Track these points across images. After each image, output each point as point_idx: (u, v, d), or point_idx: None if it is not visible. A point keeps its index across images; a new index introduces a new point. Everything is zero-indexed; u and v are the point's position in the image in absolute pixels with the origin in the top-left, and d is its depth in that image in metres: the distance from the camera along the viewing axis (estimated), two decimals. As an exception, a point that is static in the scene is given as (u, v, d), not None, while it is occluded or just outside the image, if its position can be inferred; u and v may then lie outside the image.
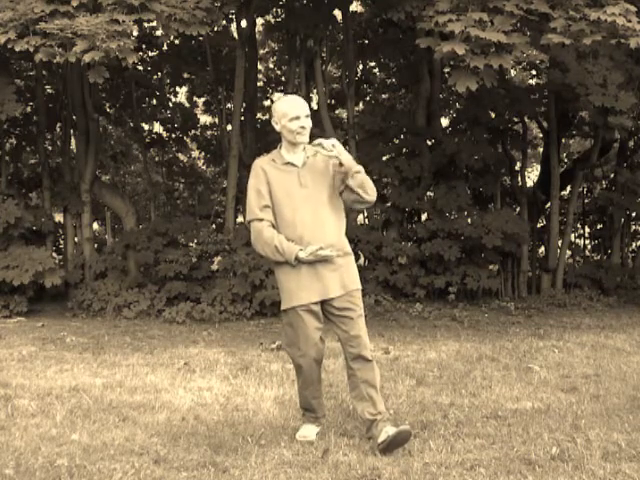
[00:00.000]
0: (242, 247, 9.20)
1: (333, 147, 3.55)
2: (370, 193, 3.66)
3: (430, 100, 10.91)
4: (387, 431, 3.46)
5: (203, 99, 13.53)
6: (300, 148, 3.71)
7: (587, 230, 13.40)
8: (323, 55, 11.50)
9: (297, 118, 3.62)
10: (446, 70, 10.81)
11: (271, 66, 13.93)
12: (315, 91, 11.63)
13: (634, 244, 13.31)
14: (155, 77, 12.63)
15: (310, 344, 3.65)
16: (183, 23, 6.86)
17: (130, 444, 3.67)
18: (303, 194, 3.62)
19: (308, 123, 3.67)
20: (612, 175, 12.78)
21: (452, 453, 3.52)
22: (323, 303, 3.64)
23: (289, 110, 3.63)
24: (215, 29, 9.78)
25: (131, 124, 12.69)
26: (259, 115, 12.41)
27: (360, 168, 3.65)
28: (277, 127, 3.70)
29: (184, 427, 3.98)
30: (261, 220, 3.64)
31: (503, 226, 9.81)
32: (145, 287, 9.42)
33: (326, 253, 3.54)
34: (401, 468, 3.30)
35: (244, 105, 10.76)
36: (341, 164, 3.59)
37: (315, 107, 11.38)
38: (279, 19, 11.61)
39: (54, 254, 10.75)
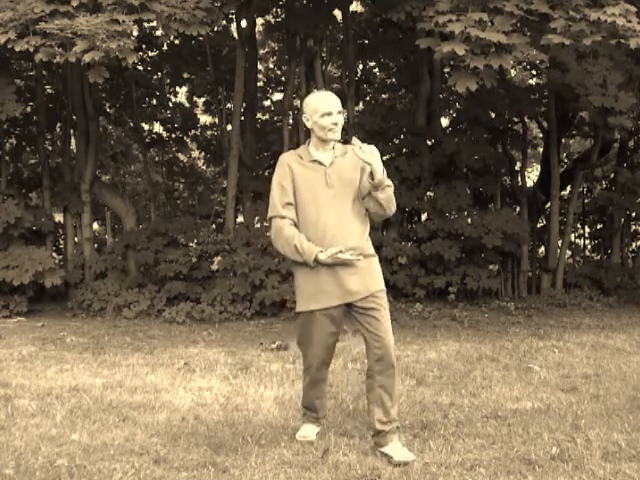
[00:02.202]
0: (242, 247, 9.21)
1: (371, 153, 3.40)
2: (392, 209, 3.59)
3: (430, 100, 10.91)
4: (392, 450, 3.43)
5: (203, 99, 13.52)
6: (330, 146, 3.61)
7: (587, 230, 13.40)
8: (323, 55, 11.49)
9: (329, 114, 3.52)
10: (446, 70, 10.81)
11: (271, 66, 13.92)
12: (315, 91, 11.61)
13: (634, 244, 13.31)
14: (155, 77, 12.62)
15: (322, 347, 3.63)
16: (183, 23, 6.85)
17: (130, 444, 3.67)
18: (328, 194, 3.53)
19: (340, 120, 3.56)
20: (612, 175, 12.79)
21: (452, 453, 3.52)
22: (348, 304, 3.55)
23: (321, 105, 3.53)
24: (215, 29, 9.79)
25: (131, 124, 12.69)
26: (259, 115, 12.41)
27: (390, 183, 3.53)
28: (308, 123, 3.60)
29: (184, 427, 3.98)
30: (283, 217, 3.54)
31: (503, 226, 9.81)
32: (145, 287, 9.42)
33: (346, 257, 3.43)
34: (401, 468, 3.30)
35: (244, 105, 10.75)
36: (372, 176, 3.46)
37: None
38: (279, 19, 11.60)
39: (54, 254, 10.74)
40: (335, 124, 3.53)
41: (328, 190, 3.53)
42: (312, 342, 3.62)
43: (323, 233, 3.50)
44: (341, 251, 3.43)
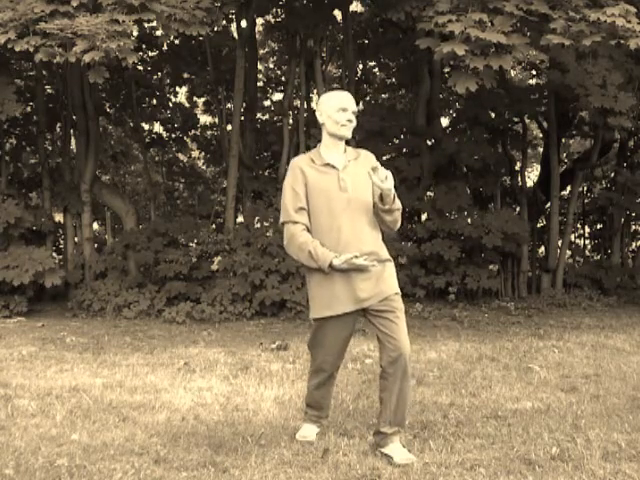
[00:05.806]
0: (242, 247, 9.21)
1: (385, 179, 3.34)
2: (396, 228, 3.58)
3: (430, 100, 10.91)
4: (393, 451, 3.42)
5: (203, 99, 13.54)
6: (341, 148, 3.57)
7: (587, 230, 13.42)
8: (323, 55, 11.50)
9: (345, 110, 3.50)
10: (446, 70, 10.81)
11: (271, 66, 13.94)
12: (315, 91, 11.62)
13: (634, 244, 13.33)
14: (155, 77, 12.64)
15: (335, 352, 3.63)
16: (183, 23, 6.86)
17: (130, 444, 3.67)
18: (342, 199, 3.45)
19: (354, 120, 3.54)
20: (612, 175, 12.80)
21: (452, 453, 3.52)
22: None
23: (337, 101, 3.52)
24: (215, 29, 9.79)
25: (131, 124, 12.70)
26: (259, 115, 12.42)
27: (399, 206, 3.49)
28: (321, 118, 3.56)
29: (184, 427, 3.98)
30: (295, 223, 3.47)
31: (503, 226, 9.81)
32: (145, 287, 9.42)
33: (360, 262, 3.35)
34: (401, 468, 3.30)
35: (244, 105, 10.76)
36: (381, 198, 3.43)
37: (315, 107, 11.40)
38: (279, 19, 11.62)
39: (54, 254, 10.75)
40: (349, 121, 3.52)
41: (342, 194, 3.46)
42: (324, 346, 3.61)
43: (337, 239, 3.44)
44: (356, 256, 3.36)
